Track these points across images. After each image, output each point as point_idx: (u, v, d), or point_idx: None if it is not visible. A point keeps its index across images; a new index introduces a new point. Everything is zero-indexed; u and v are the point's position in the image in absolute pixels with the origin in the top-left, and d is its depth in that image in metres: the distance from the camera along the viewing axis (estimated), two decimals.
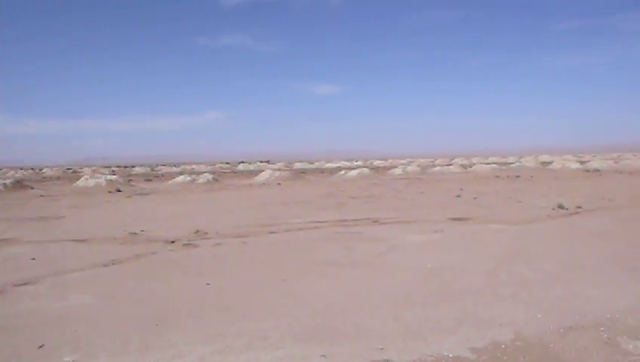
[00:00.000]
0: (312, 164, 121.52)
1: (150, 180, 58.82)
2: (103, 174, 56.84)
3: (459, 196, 28.14)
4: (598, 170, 58.11)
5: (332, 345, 6.55)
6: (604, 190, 29.90)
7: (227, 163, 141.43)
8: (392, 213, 20.91)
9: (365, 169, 63.56)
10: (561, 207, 20.78)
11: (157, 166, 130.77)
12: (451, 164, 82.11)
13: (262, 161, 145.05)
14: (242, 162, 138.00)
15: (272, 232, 16.45)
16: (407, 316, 7.64)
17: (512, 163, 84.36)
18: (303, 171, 73.80)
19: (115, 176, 50.69)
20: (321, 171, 78.56)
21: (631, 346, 6.32)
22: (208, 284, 9.80)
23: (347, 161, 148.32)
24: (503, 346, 6.43)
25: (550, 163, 77.38)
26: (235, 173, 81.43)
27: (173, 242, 14.89)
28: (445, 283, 9.49)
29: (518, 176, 49.15)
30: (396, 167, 71.77)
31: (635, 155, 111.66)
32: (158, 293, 9.31)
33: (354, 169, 64.69)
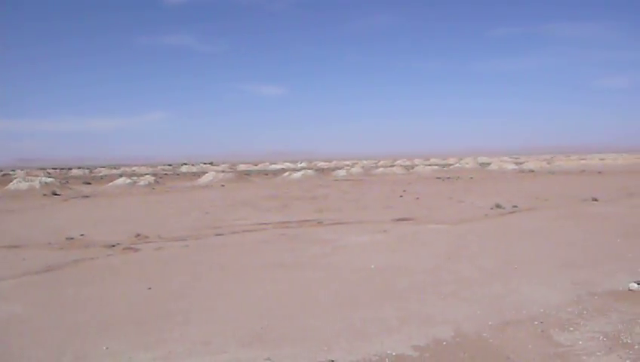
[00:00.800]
0: (256, 165, 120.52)
1: (89, 183, 56.66)
2: (38, 176, 54.25)
3: (401, 197, 28.73)
4: (533, 171, 60.86)
5: (277, 348, 6.52)
6: (538, 190, 31.30)
7: (169, 165, 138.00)
8: (336, 214, 21.08)
9: (309, 170, 63.84)
10: (498, 206, 21.59)
11: (96, 168, 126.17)
12: (394, 166, 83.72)
13: (205, 163, 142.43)
14: (185, 164, 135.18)
15: (216, 235, 16.23)
16: (353, 316, 7.71)
17: (452, 164, 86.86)
18: (247, 173, 73.27)
19: (51, 179, 48.48)
20: (266, 173, 78.21)
21: (562, 338, 6.63)
22: (149, 289, 9.55)
23: (291, 162, 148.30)
24: (445, 343, 6.60)
25: (488, 164, 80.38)
26: (178, 175, 79.76)
27: (113, 246, 14.42)
28: (389, 282, 9.65)
29: (458, 177, 50.69)
30: (340, 169, 72.48)
31: (566, 157, 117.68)
32: (97, 300, 8.99)
33: (298, 170, 64.82)
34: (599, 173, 53.32)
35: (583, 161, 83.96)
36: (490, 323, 7.24)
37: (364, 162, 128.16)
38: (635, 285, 8.53)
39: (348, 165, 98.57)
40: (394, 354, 6.29)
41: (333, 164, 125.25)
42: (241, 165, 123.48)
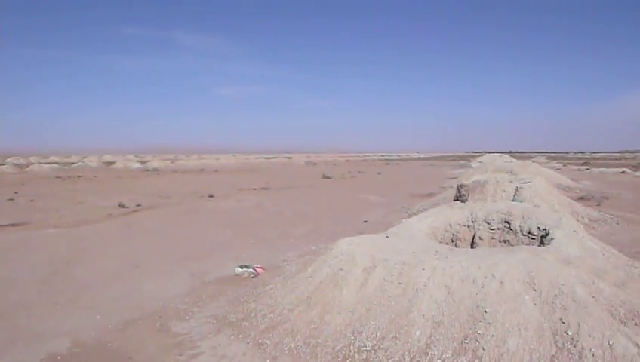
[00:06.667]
0: None
1: None
2: None
3: (12, 200, 25.34)
4: (157, 170, 62.49)
5: None
6: (162, 188, 32.36)
7: None
8: None
9: None
10: (121, 205, 21.38)
11: None
12: (4, 164, 73.10)
13: None
14: None
15: None
16: None
17: (75, 163, 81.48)
18: None
19: None
20: None
21: (179, 327, 7.07)
22: None
23: None
24: (60, 357, 6.16)
25: (113, 163, 78.65)
26: None
27: None
28: None
29: (80, 176, 47.90)
30: None
31: (187, 156, 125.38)
32: None
33: None
34: (216, 171, 58.77)
35: (202, 161, 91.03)
36: (110, 326, 7.14)
37: None
38: (239, 269, 9.78)
39: None
40: None
41: None
42: None
